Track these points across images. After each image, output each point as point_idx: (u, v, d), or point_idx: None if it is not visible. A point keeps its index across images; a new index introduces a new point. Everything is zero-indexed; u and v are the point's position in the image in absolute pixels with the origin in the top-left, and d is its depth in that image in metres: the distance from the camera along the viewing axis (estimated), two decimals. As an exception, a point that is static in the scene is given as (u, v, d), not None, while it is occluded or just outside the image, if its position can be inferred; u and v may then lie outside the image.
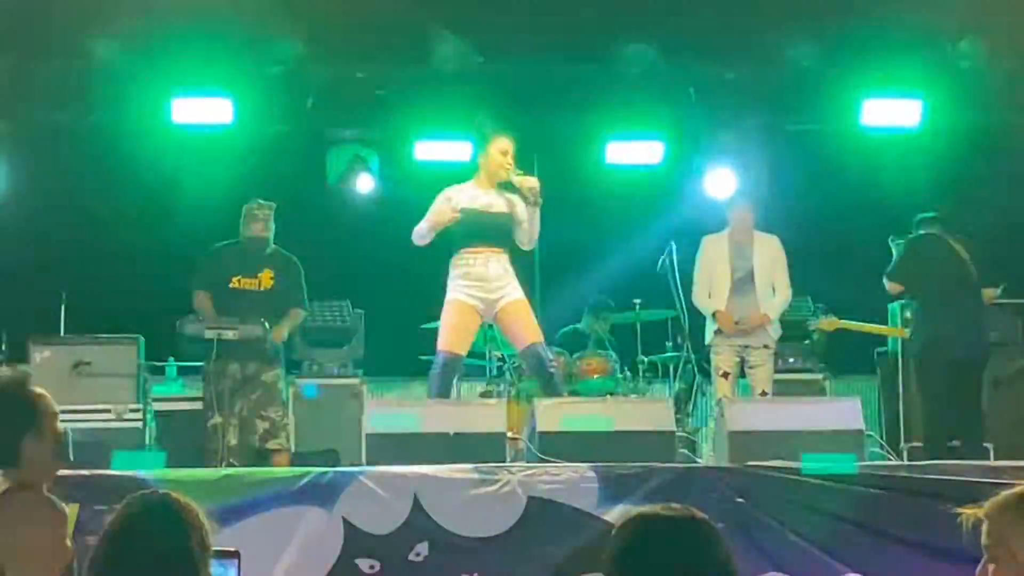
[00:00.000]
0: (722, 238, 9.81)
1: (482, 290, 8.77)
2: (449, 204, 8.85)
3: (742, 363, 9.67)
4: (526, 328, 8.78)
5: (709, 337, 9.76)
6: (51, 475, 4.36)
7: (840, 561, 7.21)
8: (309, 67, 11.39)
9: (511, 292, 8.80)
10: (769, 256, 9.73)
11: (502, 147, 8.85)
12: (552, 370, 8.82)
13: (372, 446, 7.94)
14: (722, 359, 9.63)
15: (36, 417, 4.34)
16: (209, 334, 9.01)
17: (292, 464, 8.85)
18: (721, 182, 11.66)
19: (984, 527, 3.10)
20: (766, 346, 9.65)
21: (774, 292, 9.72)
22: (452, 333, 8.76)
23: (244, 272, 9.59)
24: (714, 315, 9.63)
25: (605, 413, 8.28)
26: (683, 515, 2.94)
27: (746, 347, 9.63)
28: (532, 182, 8.75)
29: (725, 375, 9.60)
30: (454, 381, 9.13)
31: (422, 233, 8.87)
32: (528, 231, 8.83)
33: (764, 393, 9.51)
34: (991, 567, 3.10)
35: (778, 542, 7.33)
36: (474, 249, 8.80)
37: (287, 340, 9.78)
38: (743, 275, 9.71)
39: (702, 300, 9.76)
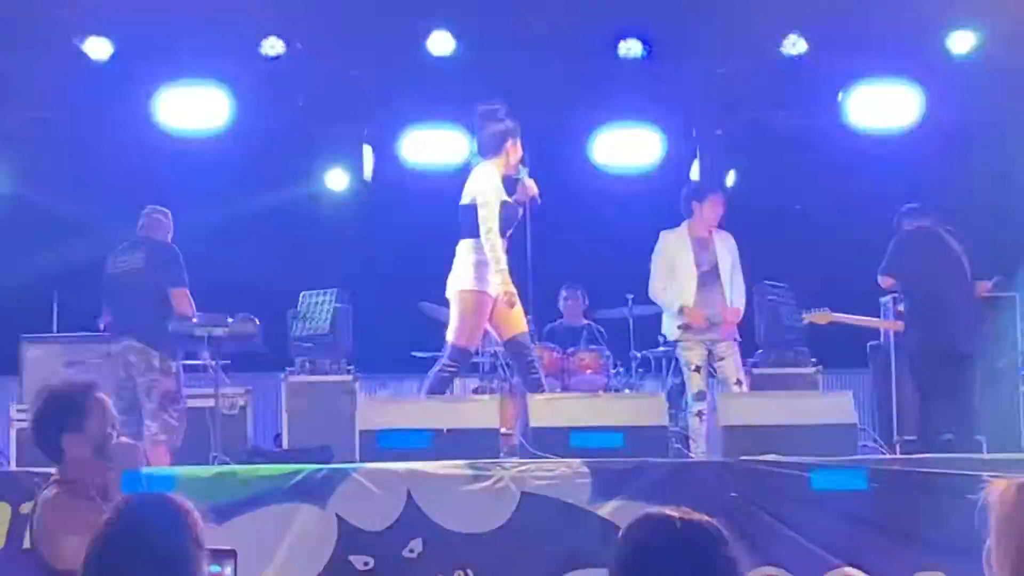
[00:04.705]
0: (681, 233, 9.72)
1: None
2: (499, 196, 8.66)
3: (709, 355, 9.60)
4: (511, 318, 8.67)
5: (672, 332, 9.67)
6: (91, 472, 4.50)
7: (834, 555, 7.20)
8: (300, 64, 11.39)
9: None
10: (729, 251, 9.70)
11: (519, 149, 8.83)
12: (531, 362, 8.74)
13: (365, 443, 7.94)
14: (692, 354, 9.56)
15: (78, 417, 4.53)
16: (199, 332, 9.00)
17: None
18: (709, 175, 11.68)
19: (994, 508, 3.17)
20: (735, 339, 9.63)
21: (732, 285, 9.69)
22: (477, 330, 8.71)
23: None
24: (681, 310, 9.55)
25: (598, 408, 8.27)
26: (689, 518, 2.94)
27: (714, 340, 9.58)
28: (534, 188, 8.76)
29: (697, 369, 9.55)
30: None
31: (496, 245, 8.55)
32: None
33: (739, 382, 9.47)
34: (996, 545, 3.16)
35: (772, 537, 7.32)
36: (504, 238, 8.68)
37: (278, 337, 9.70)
38: (708, 269, 9.65)
39: (659, 294, 9.70)
